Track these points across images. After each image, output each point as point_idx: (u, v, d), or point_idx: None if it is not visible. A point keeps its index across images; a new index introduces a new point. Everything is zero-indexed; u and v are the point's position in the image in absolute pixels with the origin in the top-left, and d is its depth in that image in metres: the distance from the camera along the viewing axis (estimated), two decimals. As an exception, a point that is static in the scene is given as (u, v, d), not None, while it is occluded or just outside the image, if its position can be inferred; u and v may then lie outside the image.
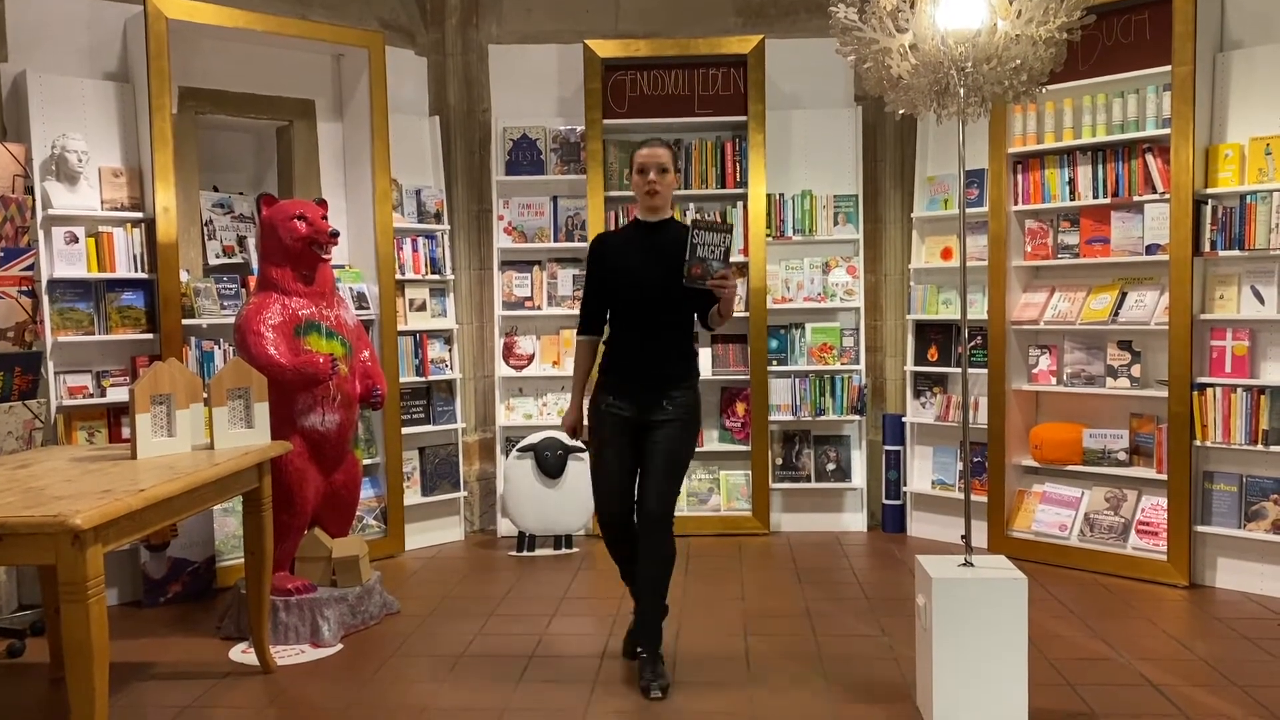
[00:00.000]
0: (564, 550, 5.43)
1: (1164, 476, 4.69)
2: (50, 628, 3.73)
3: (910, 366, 5.68)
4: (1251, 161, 4.49)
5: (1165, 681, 3.53)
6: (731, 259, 3.41)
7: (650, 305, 3.53)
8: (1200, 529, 4.61)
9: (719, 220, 3.84)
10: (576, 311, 3.53)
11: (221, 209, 5.25)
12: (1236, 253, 4.49)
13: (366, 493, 5.20)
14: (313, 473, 4.19)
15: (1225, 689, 3.46)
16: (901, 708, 3.34)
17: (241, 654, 3.93)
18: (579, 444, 3.74)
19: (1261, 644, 3.90)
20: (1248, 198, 4.46)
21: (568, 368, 5.59)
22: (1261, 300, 4.49)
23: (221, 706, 3.46)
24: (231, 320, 4.48)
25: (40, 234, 4.43)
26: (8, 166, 4.33)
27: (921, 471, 5.70)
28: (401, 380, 5.43)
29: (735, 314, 5.95)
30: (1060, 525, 5.03)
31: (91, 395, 4.54)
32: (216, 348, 4.87)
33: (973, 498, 4.41)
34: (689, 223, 3.34)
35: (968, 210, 4.90)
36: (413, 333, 5.57)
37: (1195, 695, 3.41)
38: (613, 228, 5.69)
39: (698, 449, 5.80)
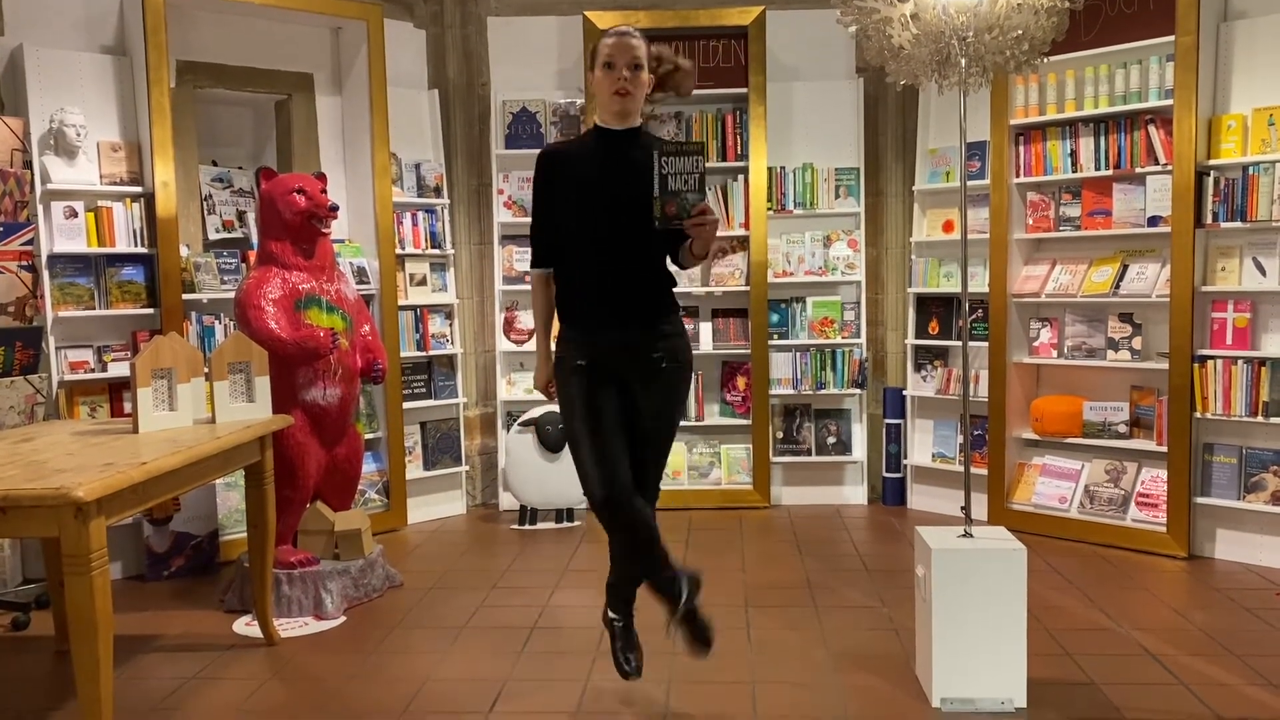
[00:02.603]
0: (565, 524, 5.45)
1: (1164, 449, 4.70)
2: (54, 601, 3.76)
3: (911, 340, 5.68)
4: (1254, 132, 4.46)
5: (1164, 651, 3.55)
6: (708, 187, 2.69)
7: (621, 230, 2.87)
8: (1200, 501, 4.62)
9: (686, 140, 3.01)
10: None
11: (220, 183, 5.24)
12: (1238, 224, 4.47)
13: (368, 467, 5.21)
14: (314, 447, 4.19)
15: (1223, 658, 3.48)
16: (901, 678, 3.36)
17: (245, 626, 3.96)
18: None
19: (1259, 614, 3.92)
20: (1250, 169, 4.44)
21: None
22: (1263, 272, 4.47)
23: (225, 678, 3.49)
24: (232, 295, 4.47)
25: (39, 209, 4.43)
26: (6, 141, 4.31)
27: (922, 444, 5.71)
28: (402, 355, 5.43)
29: (735, 288, 5.54)
30: (1060, 497, 5.05)
31: (92, 370, 4.55)
32: (217, 322, 4.88)
33: (973, 470, 4.43)
34: (655, 148, 2.71)
35: (969, 183, 4.88)
36: (413, 307, 5.56)
37: (1193, 664, 3.43)
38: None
39: (698, 422, 5.85)
